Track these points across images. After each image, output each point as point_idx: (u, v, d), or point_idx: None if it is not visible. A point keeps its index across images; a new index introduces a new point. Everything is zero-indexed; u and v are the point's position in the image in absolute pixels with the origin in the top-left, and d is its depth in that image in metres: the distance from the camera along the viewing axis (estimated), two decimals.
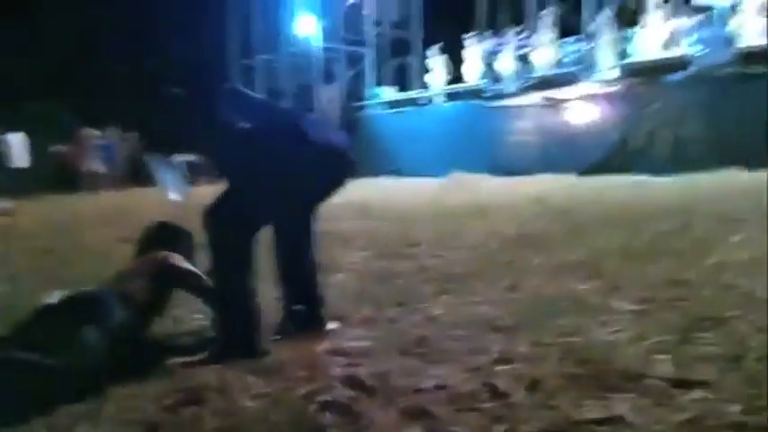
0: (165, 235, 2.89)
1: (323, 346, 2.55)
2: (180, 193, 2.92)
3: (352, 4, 19.36)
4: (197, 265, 2.77)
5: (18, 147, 12.68)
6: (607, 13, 14.01)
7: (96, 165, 15.86)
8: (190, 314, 3.05)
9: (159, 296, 2.64)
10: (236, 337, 2.45)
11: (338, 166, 2.75)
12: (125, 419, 1.91)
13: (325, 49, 18.83)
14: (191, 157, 3.16)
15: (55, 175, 15.35)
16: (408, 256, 4.49)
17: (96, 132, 16.49)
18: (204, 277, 2.68)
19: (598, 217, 5.88)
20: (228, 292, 2.51)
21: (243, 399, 2.02)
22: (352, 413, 1.89)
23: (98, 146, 16.38)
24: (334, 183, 2.76)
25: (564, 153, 12.21)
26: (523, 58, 14.84)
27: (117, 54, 21.66)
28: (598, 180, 10.09)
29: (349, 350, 2.48)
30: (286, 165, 2.53)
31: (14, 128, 13.21)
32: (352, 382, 2.11)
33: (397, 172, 14.64)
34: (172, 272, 2.66)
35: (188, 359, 2.41)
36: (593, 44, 13.71)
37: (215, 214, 2.53)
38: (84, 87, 20.67)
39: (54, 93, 19.33)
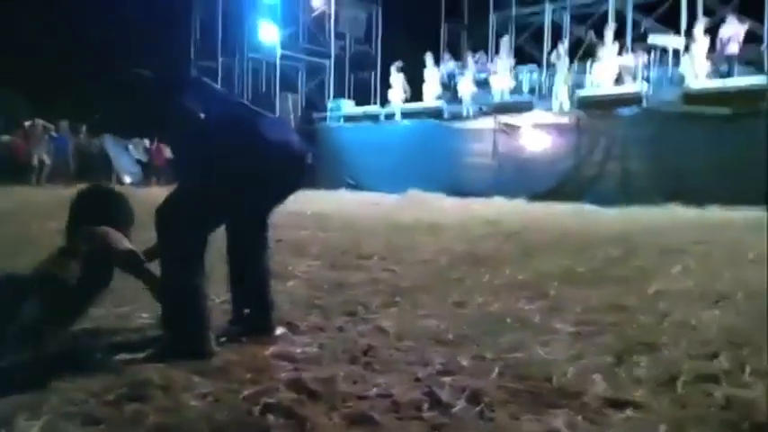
0: (99, 199, 2.85)
1: (270, 350, 2.56)
2: (132, 176, 2.91)
3: (316, 17, 19.47)
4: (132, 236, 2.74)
5: None
6: (564, 46, 14.46)
7: (45, 157, 15.42)
8: (135, 312, 3.02)
9: (96, 276, 2.60)
10: (182, 336, 2.44)
11: (295, 168, 2.75)
12: (67, 413, 1.88)
13: (287, 58, 18.83)
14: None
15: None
16: (360, 267, 4.53)
17: (47, 125, 16.06)
18: (143, 257, 2.66)
19: (546, 241, 6.04)
20: (177, 291, 2.48)
21: (186, 397, 2.01)
22: (294, 416, 1.91)
23: (48, 138, 15.95)
24: (290, 185, 2.79)
25: (517, 177, 12.48)
26: (482, 83, 15.15)
27: (78, 43, 21.18)
28: (548, 206, 10.33)
29: (296, 356, 2.50)
30: (243, 162, 2.51)
31: None
32: (297, 385, 2.13)
33: (354, 185, 14.72)
34: (110, 251, 2.62)
35: (133, 356, 2.39)
36: (549, 74, 14.12)
37: (167, 212, 2.51)
38: (39, 75, 20.17)
39: (6, 80, 18.81)
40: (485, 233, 6.66)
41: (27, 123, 15.80)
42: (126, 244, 2.67)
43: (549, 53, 14.53)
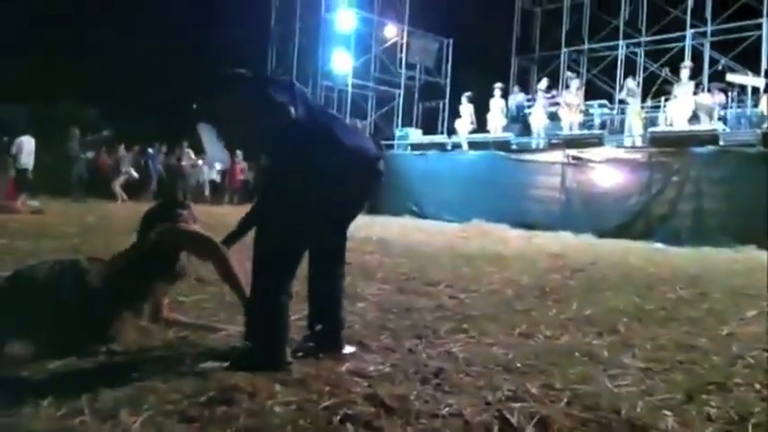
0: (166, 208, 3.17)
1: (345, 366, 2.68)
2: (222, 162, 3.11)
3: (388, 47, 19.88)
4: None
5: (27, 149, 13.12)
6: (635, 82, 14.32)
7: (130, 174, 16.28)
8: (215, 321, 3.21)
9: (164, 263, 2.89)
10: (266, 346, 2.60)
11: (373, 169, 2.88)
12: (164, 411, 2.05)
13: (358, 86, 19.26)
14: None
15: (83, 181, 15.68)
16: (427, 293, 4.62)
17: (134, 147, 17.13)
18: (215, 242, 2.92)
19: (614, 277, 6.00)
20: (269, 303, 2.65)
21: (271, 404, 2.16)
22: (371, 428, 2.02)
23: (132, 156, 16.86)
24: (369, 187, 2.94)
25: (585, 212, 12.33)
26: (551, 116, 15.12)
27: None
28: (617, 243, 10.19)
29: (369, 373, 2.61)
30: (331, 160, 2.71)
31: (25, 130, 13.71)
32: (373, 400, 2.24)
33: (419, 213, 14.83)
34: (175, 235, 2.92)
35: (218, 364, 2.56)
36: (620, 108, 13.99)
37: (271, 225, 2.72)
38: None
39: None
40: (551, 266, 6.65)
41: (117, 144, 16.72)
42: (195, 227, 2.94)
43: (621, 89, 14.40)
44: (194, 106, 3.00)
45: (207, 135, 3.04)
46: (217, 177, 18.46)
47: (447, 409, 2.22)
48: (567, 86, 15.05)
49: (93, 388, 2.20)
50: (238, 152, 18.51)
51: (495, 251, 8.02)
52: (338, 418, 2.07)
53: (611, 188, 12.35)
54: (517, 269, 6.29)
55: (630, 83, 14.07)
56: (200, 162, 17.92)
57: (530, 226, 11.91)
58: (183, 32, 21.06)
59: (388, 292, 4.57)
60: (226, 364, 2.56)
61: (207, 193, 18.07)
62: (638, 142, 13.13)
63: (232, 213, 12.93)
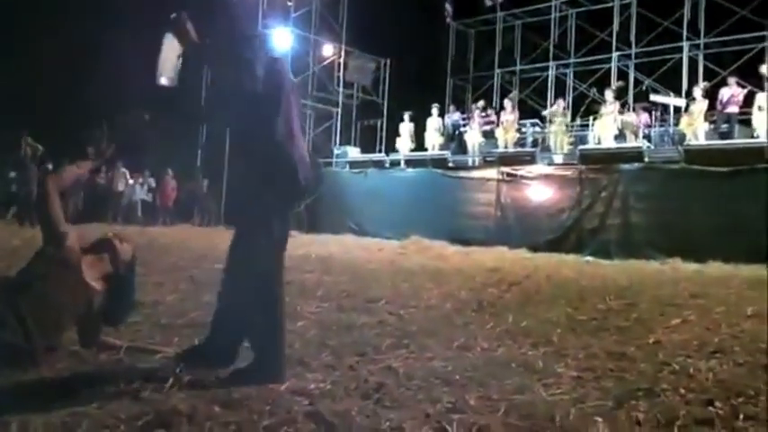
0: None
1: (286, 385, 2.67)
2: (168, 80, 2.99)
3: (326, 65, 19.98)
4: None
5: None
6: (561, 103, 14.89)
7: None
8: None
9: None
10: (269, 361, 2.76)
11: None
12: None
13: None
14: None
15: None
16: (367, 310, 4.65)
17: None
18: None
19: (548, 290, 6.17)
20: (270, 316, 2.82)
21: (210, 425, 2.14)
22: None
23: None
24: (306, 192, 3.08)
25: (519, 228, 12.63)
26: (486, 134, 15.49)
27: None
28: (550, 257, 10.48)
29: (310, 391, 2.61)
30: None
31: None
32: (314, 418, 2.25)
33: (358, 231, 14.87)
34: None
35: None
36: (549, 128, 14.51)
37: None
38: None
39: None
40: (487, 280, 6.79)
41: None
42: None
43: (548, 109, 14.91)
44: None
45: (168, 46, 2.94)
46: (148, 197, 18.06)
47: (388, 423, 2.25)
48: (503, 106, 15.46)
49: (24, 414, 2.13)
50: (170, 170, 18.30)
51: (434, 267, 8.13)
52: None
53: (543, 204, 12.70)
54: (455, 284, 6.39)
55: (556, 106, 14.64)
56: (131, 182, 17.54)
57: (467, 242, 12.11)
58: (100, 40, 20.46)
59: (328, 310, 4.58)
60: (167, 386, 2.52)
61: (139, 213, 17.67)
62: (567, 159, 13.66)
63: (168, 234, 12.72)
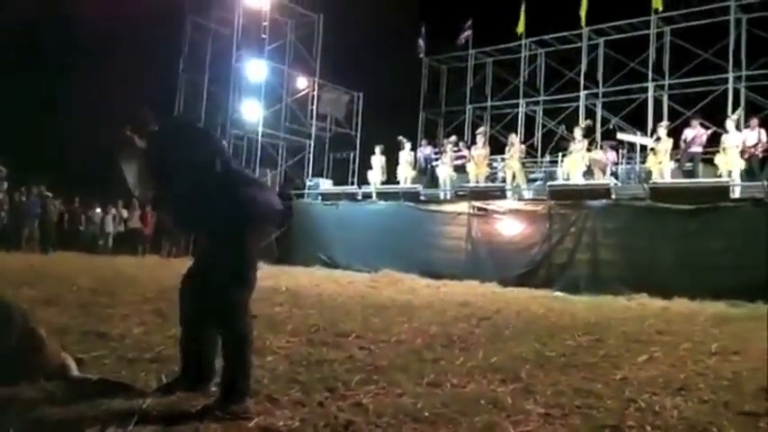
0: None
1: (255, 422, 2.64)
2: (139, 192, 3.15)
3: (299, 98, 20.11)
4: None
5: None
6: (516, 139, 15.15)
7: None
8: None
9: None
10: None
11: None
12: None
13: (268, 135, 19.27)
14: None
15: None
16: (337, 345, 4.62)
17: None
18: None
19: (517, 325, 6.22)
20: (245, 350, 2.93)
21: None
22: None
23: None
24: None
25: (490, 261, 12.73)
26: (458, 168, 15.66)
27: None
28: (519, 291, 10.57)
29: (279, 428, 2.59)
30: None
31: None
32: None
33: (329, 263, 14.84)
34: None
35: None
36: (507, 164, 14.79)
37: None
38: None
39: None
40: (458, 315, 6.81)
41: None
42: None
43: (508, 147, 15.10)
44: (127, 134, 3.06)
45: (128, 168, 3.08)
46: (120, 227, 17.83)
47: None
48: (475, 141, 15.66)
49: None
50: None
51: (405, 300, 8.14)
52: None
53: (514, 238, 12.84)
54: (426, 318, 6.40)
55: (513, 138, 14.90)
56: (100, 212, 17.38)
57: (438, 275, 12.16)
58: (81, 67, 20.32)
59: (298, 345, 4.54)
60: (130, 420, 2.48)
61: (110, 244, 17.45)
62: (532, 195, 13.87)
63: (136, 264, 12.50)
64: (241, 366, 2.89)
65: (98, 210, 17.57)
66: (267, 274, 9.39)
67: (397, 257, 13.13)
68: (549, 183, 13.83)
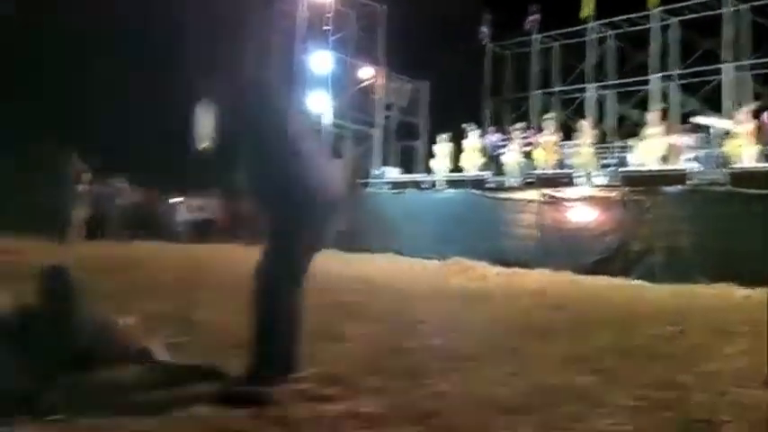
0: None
1: (340, 408, 2.67)
2: (204, 144, 3.09)
3: (365, 87, 20.18)
4: None
5: None
6: (587, 124, 14.70)
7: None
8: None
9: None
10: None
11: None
12: None
13: (335, 126, 19.44)
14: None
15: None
16: (414, 333, 4.62)
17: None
18: None
19: (598, 314, 6.06)
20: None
21: None
22: None
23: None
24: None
25: (561, 250, 12.45)
26: (526, 156, 15.39)
27: None
28: (596, 279, 10.32)
29: (364, 416, 2.60)
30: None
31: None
32: None
33: (399, 250, 14.82)
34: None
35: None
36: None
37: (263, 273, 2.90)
38: None
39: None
40: (534, 303, 6.69)
41: None
42: None
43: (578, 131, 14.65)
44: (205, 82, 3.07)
45: (203, 115, 3.06)
46: (196, 216, 18.48)
47: None
48: (543, 127, 15.36)
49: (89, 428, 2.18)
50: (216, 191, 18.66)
51: (478, 288, 8.07)
52: None
53: (586, 226, 12.52)
54: (501, 307, 6.33)
55: (584, 124, 14.47)
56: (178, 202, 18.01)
57: (508, 263, 11.98)
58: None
59: (376, 332, 4.55)
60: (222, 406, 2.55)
61: (183, 231, 18.09)
62: (605, 181, 13.46)
63: (216, 252, 12.82)
64: (265, 351, 2.91)
65: (174, 199, 18.21)
66: (340, 262, 9.52)
67: (466, 245, 13.01)
68: (622, 169, 13.41)
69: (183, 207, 18.18)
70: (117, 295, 5.37)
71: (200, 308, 5.10)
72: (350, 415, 2.60)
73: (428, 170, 17.07)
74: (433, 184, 15.94)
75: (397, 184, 17.00)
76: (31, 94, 21.24)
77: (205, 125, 3.06)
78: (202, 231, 18.18)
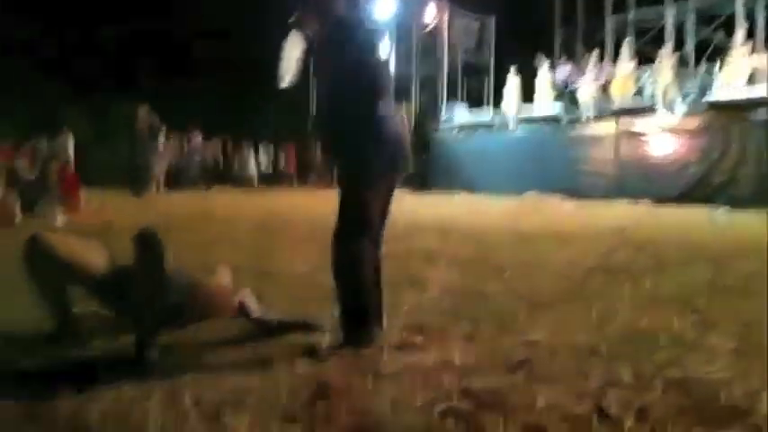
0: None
1: (430, 357, 2.69)
2: (288, 81, 3.07)
3: (429, 29, 19.72)
4: None
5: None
6: (666, 50, 13.86)
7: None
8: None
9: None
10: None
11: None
12: (266, 411, 2.10)
13: (401, 68, 19.16)
14: None
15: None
16: (495, 277, 4.59)
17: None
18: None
19: (684, 251, 5.86)
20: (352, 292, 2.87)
21: (368, 401, 2.19)
22: (472, 424, 2.02)
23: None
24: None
25: (641, 184, 12.08)
26: (601, 87, 14.79)
27: None
28: (678, 213, 9.97)
29: (456, 365, 2.61)
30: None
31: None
32: (468, 395, 2.25)
33: (471, 190, 14.70)
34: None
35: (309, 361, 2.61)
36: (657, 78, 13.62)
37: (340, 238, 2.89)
38: None
39: None
40: (615, 242, 6.52)
41: None
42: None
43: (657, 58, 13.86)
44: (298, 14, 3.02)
45: (290, 46, 3.03)
46: (266, 165, 18.94)
47: (543, 401, 2.21)
48: (617, 56, 14.67)
49: (192, 385, 2.29)
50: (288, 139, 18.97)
51: (555, 227, 7.93)
52: (437, 413, 2.09)
53: (666, 157, 12.08)
54: (581, 246, 6.20)
55: (663, 50, 13.68)
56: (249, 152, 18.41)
57: (584, 198, 11.70)
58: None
59: (458, 278, 4.53)
60: (318, 359, 2.61)
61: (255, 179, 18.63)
62: (685, 109, 12.76)
63: (290, 200, 13.06)
64: (352, 304, 2.91)
65: (248, 150, 18.66)
66: (412, 204, 9.52)
67: (540, 182, 12.79)
68: (705, 96, 12.72)
69: (257, 158, 18.61)
70: (201, 248, 5.57)
71: (283, 260, 5.21)
72: (443, 365, 2.61)
73: (498, 109, 16.70)
74: (504, 124, 15.61)
75: (465, 124, 16.75)
76: (103, 49, 21.97)
77: (290, 59, 3.01)
78: (273, 178, 18.61)
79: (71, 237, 3.10)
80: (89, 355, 2.75)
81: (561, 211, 10.11)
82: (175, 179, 16.87)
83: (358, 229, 2.88)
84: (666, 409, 2.17)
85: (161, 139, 15.33)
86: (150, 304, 2.76)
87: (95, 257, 3.00)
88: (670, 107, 12.98)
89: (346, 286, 2.91)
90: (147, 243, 2.80)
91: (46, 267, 2.85)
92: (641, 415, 2.12)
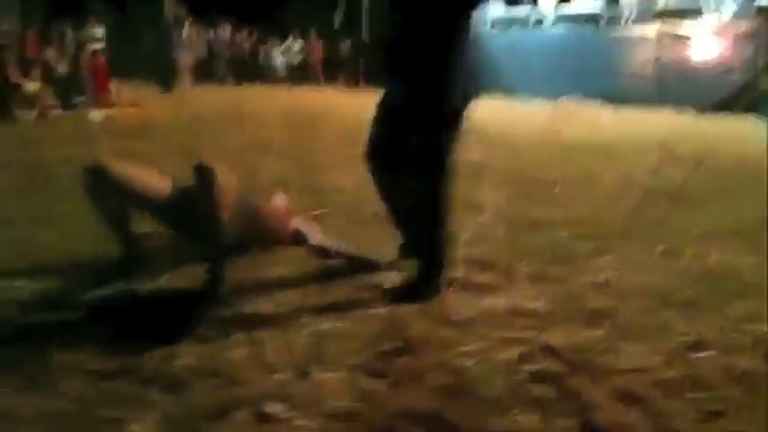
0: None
1: (503, 304, 2.58)
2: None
3: None
4: None
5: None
6: None
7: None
8: None
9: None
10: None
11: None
12: (351, 365, 2.04)
13: None
14: None
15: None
16: (547, 200, 4.43)
17: None
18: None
19: (742, 172, 5.59)
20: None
21: (451, 355, 2.12)
22: (562, 387, 1.94)
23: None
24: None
25: (683, 88, 11.57)
26: None
27: None
28: (722, 121, 9.61)
29: (531, 313, 2.51)
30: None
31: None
32: (551, 353, 2.15)
33: (506, 91, 14.18)
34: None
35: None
36: None
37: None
38: None
39: None
40: (662, 157, 6.25)
41: None
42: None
43: None
44: None
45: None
46: (293, 59, 18.47)
47: (629, 360, 2.12)
48: None
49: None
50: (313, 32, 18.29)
51: (598, 138, 7.64)
52: (522, 373, 2.02)
53: (710, 62, 11.52)
54: (628, 162, 5.98)
55: None
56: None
57: (623, 103, 11.26)
58: None
59: (507, 200, 4.35)
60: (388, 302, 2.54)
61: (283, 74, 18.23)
62: (726, 12, 12.00)
63: (320, 100, 12.60)
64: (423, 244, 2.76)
65: (277, 45, 18.20)
66: None
67: (578, 86, 12.26)
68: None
69: (281, 49, 18.15)
70: (241, 156, 5.42)
71: (326, 171, 5.08)
72: (516, 312, 2.51)
73: (535, 4, 15.86)
74: (541, 21, 14.86)
75: (500, 22, 15.97)
76: None
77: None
78: (301, 75, 18.16)
79: (130, 164, 2.98)
80: (160, 289, 2.69)
81: (601, 120, 9.74)
82: (204, 73, 16.48)
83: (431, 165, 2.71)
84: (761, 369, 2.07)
85: (187, 30, 14.80)
86: (216, 228, 2.69)
87: (157, 183, 2.91)
88: (717, 8, 12.19)
89: (417, 227, 2.77)
90: (204, 178, 2.68)
91: (109, 196, 2.75)
92: (741, 378, 2.02)
